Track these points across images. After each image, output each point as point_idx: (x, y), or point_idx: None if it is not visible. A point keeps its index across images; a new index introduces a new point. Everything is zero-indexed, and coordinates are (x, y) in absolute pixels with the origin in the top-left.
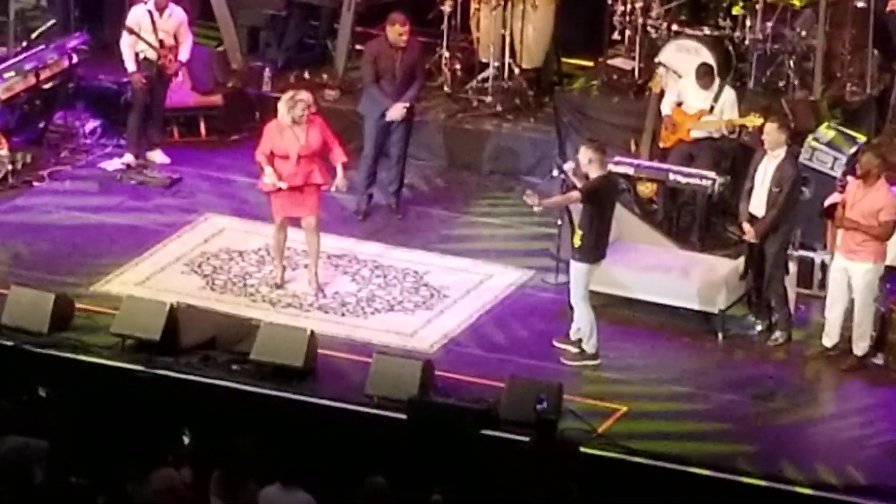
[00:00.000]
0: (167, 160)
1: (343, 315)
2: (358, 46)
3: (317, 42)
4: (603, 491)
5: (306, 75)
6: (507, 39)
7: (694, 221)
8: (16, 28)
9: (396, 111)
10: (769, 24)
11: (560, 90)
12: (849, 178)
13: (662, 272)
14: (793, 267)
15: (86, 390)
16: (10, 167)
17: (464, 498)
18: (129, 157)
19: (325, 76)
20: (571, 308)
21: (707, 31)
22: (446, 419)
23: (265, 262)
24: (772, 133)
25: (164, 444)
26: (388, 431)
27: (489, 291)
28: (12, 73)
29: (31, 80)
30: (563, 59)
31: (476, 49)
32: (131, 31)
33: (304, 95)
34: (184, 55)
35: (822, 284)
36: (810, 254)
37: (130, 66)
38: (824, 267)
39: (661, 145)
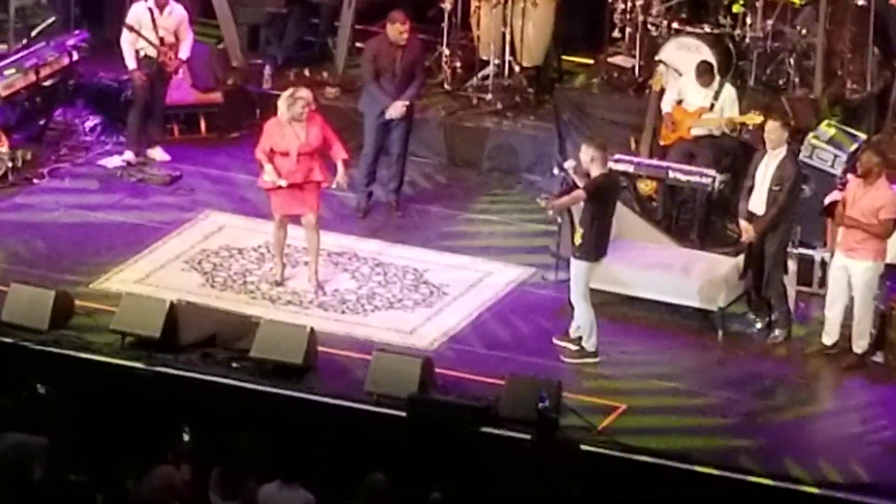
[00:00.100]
0: (167, 158)
1: (343, 312)
2: (358, 44)
3: (317, 40)
4: (602, 489)
5: (306, 73)
6: (508, 37)
7: (694, 219)
8: (16, 25)
9: (396, 109)
10: (769, 22)
11: (560, 88)
12: (849, 176)
13: (662, 270)
14: (793, 265)
15: (85, 387)
16: (10, 164)
17: (463, 495)
18: (129, 155)
19: (325, 74)
20: (571, 306)
21: (707, 28)
22: (446, 417)
23: (265, 260)
24: (775, 131)
25: (163, 442)
26: (387, 429)
27: (489, 289)
28: (13, 71)
29: (32, 77)
30: (564, 57)
31: (476, 47)
32: (132, 29)
33: (304, 93)
34: (184, 53)
35: (822, 282)
36: (810, 252)
37: (131, 63)
38: (824, 265)
39: (662, 143)
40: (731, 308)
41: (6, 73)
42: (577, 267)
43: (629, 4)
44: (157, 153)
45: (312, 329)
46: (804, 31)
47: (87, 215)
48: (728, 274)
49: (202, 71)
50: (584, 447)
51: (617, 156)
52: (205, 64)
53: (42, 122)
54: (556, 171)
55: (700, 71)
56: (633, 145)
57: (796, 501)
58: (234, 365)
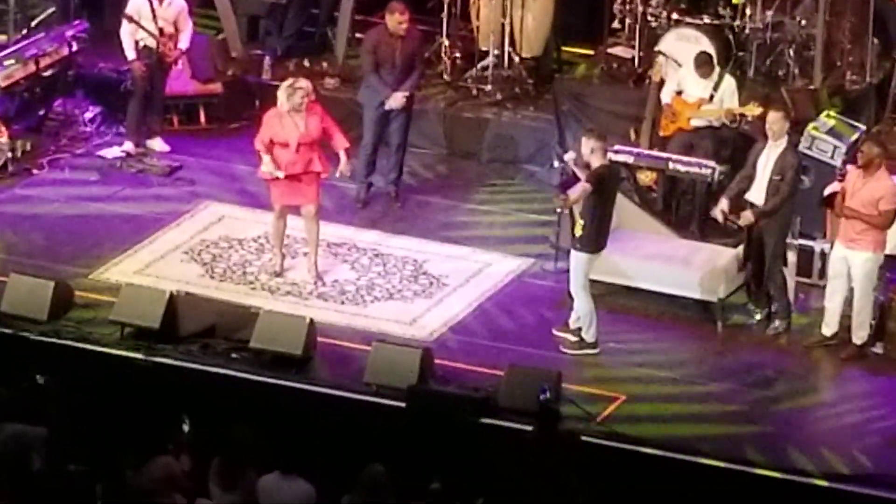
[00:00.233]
0: (167, 148)
1: (342, 303)
2: (358, 35)
3: (317, 30)
4: (602, 479)
5: (306, 64)
6: (507, 28)
7: (693, 210)
8: (16, 16)
9: (396, 100)
10: (769, 13)
11: (560, 78)
12: (848, 166)
13: (662, 261)
14: (792, 256)
15: (85, 378)
16: (9, 155)
17: (463, 486)
18: (128, 145)
19: (324, 65)
20: (571, 297)
21: (707, 19)
22: (445, 407)
23: (264, 250)
24: (777, 122)
25: (162, 432)
26: (387, 419)
27: (489, 279)
28: (12, 61)
29: (31, 67)
30: (563, 48)
31: (476, 38)
32: (131, 20)
33: (304, 83)
34: (184, 43)
35: (822, 273)
36: (810, 243)
37: (130, 54)
38: (824, 256)
39: (661, 134)
40: (731, 299)
41: (6, 63)
42: (578, 258)
43: None
44: (157, 144)
45: (312, 320)
46: (804, 22)
47: (86, 206)
48: (728, 265)
49: (202, 61)
50: (584, 438)
51: (617, 147)
52: (204, 54)
53: (42, 113)
54: (556, 163)
55: (699, 62)
56: (632, 136)
57: (797, 492)
58: (234, 356)
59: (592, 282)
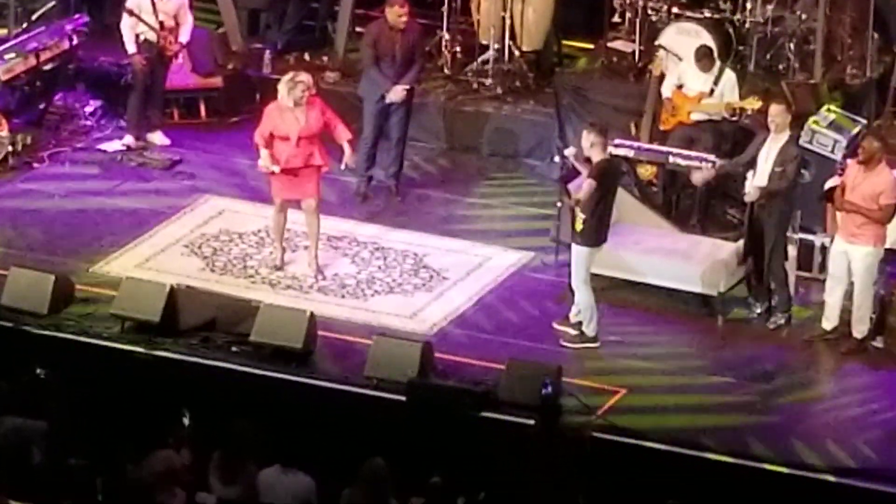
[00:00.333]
0: (167, 142)
1: (343, 297)
2: (358, 29)
3: (317, 24)
4: (602, 472)
5: (306, 57)
6: (508, 22)
7: (694, 204)
8: (16, 10)
9: (396, 93)
10: (770, 7)
11: (560, 72)
12: (849, 161)
13: (663, 255)
14: (793, 250)
15: (85, 371)
16: (9, 148)
17: (463, 480)
18: (129, 139)
19: (325, 58)
20: (572, 291)
21: (707, 13)
22: (445, 401)
23: (265, 244)
24: (780, 115)
25: (163, 426)
26: (387, 413)
27: (489, 273)
28: (13, 55)
29: (32, 61)
30: (563, 42)
31: (476, 31)
32: (131, 13)
33: (304, 77)
34: (184, 37)
35: (822, 267)
36: (810, 237)
37: (131, 47)
38: (824, 250)
39: (662, 128)
40: (732, 293)
41: (6, 57)
42: (578, 252)
43: None
44: (157, 137)
45: (312, 313)
46: (804, 16)
47: (87, 199)
48: (728, 259)
49: (202, 55)
50: (585, 432)
51: (617, 140)
52: (205, 48)
53: (42, 107)
54: (556, 157)
55: (699, 55)
56: (633, 130)
57: (799, 486)
58: (234, 349)
59: (593, 276)
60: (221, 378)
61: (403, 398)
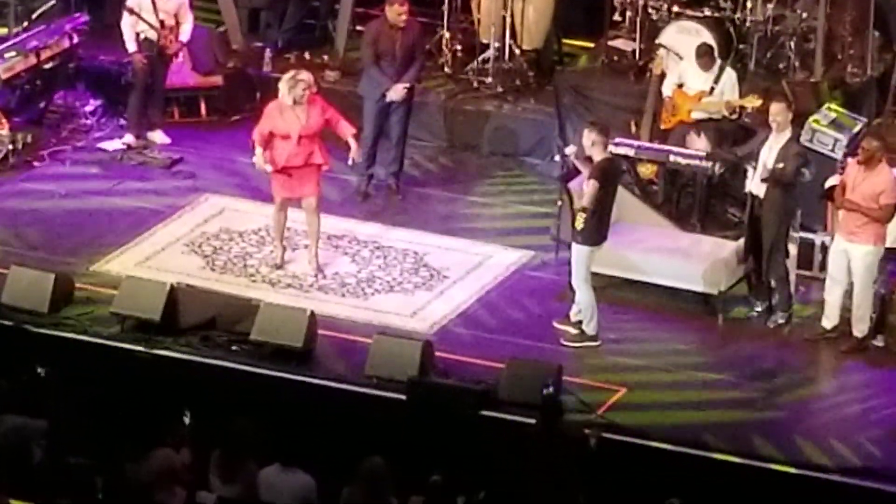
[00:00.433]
0: (167, 140)
1: (343, 296)
2: (358, 27)
3: (317, 23)
4: (602, 471)
5: (307, 56)
6: (508, 20)
7: (694, 203)
8: (17, 8)
9: (396, 92)
10: (770, 6)
11: (560, 71)
12: (849, 159)
13: (663, 254)
14: (793, 248)
15: (85, 370)
16: (10, 147)
17: (463, 479)
18: (129, 138)
19: (325, 57)
20: (572, 289)
21: (708, 12)
22: (446, 400)
23: (265, 243)
24: (780, 113)
25: (163, 425)
26: (387, 412)
27: (489, 272)
28: (13, 53)
29: (32, 60)
30: (564, 41)
31: (477, 30)
32: (132, 12)
33: (305, 75)
34: (184, 36)
35: (823, 266)
36: (811, 235)
37: (131, 46)
38: (824, 248)
39: (662, 127)
40: (732, 292)
41: (7, 55)
42: (579, 251)
43: None
44: (158, 136)
45: (312, 312)
46: (805, 15)
47: (87, 198)
48: (729, 258)
49: (202, 54)
50: (586, 431)
51: (617, 139)
52: (205, 47)
53: (42, 105)
54: (556, 156)
55: (700, 53)
56: (633, 129)
57: (799, 484)
58: (234, 348)
59: (594, 274)
60: (222, 377)
61: (403, 397)
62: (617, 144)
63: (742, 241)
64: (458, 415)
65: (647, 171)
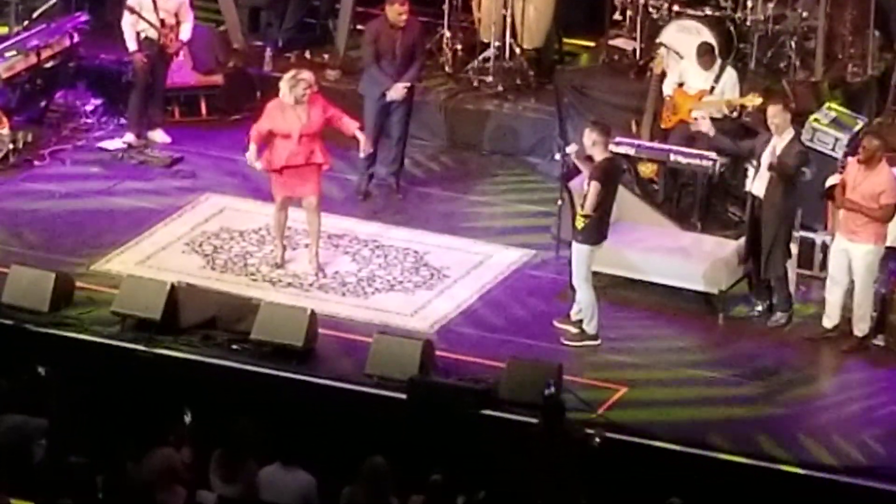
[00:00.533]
0: (168, 140)
1: (343, 295)
2: (359, 27)
3: (318, 22)
4: (603, 470)
5: (307, 55)
6: (509, 19)
7: (695, 202)
8: (17, 7)
9: (397, 91)
10: (770, 5)
11: (561, 70)
12: (849, 158)
13: (664, 253)
14: (794, 248)
15: (86, 369)
16: (10, 146)
17: (463, 478)
18: (130, 137)
19: (325, 56)
20: (573, 289)
21: (708, 11)
22: (446, 399)
23: (265, 242)
24: (778, 115)
25: (163, 424)
26: (387, 411)
27: (490, 271)
28: (14, 52)
29: (33, 59)
30: (564, 40)
31: (477, 29)
32: (132, 11)
33: (306, 75)
34: (185, 35)
35: (823, 265)
36: (811, 235)
37: (132, 45)
38: (825, 248)
39: (663, 126)
40: (733, 291)
41: (7, 54)
42: (579, 250)
43: None
44: (158, 135)
45: (313, 311)
46: (805, 14)
47: (87, 197)
48: (729, 257)
49: (203, 53)
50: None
51: (618, 138)
52: (206, 46)
53: (43, 105)
54: (557, 155)
55: (700, 52)
56: (633, 128)
57: (799, 483)
58: (235, 347)
59: (594, 274)
60: (222, 376)
61: (404, 396)
62: (617, 143)
63: (743, 240)
64: (458, 414)
65: (647, 170)
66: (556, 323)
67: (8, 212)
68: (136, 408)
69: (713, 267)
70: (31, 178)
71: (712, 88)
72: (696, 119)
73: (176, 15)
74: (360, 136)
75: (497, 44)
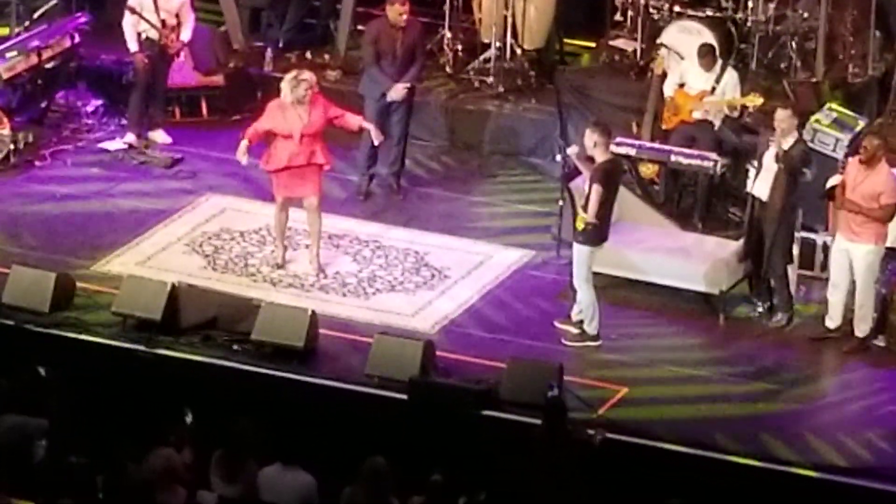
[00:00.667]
0: (169, 140)
1: (344, 295)
2: (359, 27)
3: (318, 22)
4: (603, 471)
5: (308, 56)
6: (509, 20)
7: (695, 203)
8: (18, 8)
9: (397, 92)
10: (771, 6)
11: (561, 70)
12: (849, 159)
13: (664, 253)
14: (795, 248)
15: (86, 370)
16: (11, 147)
17: (464, 479)
18: (130, 137)
19: (326, 56)
20: (573, 289)
21: (709, 12)
22: (447, 400)
23: (266, 242)
24: (786, 120)
25: (164, 424)
26: (388, 412)
27: (490, 272)
28: (14, 53)
29: (34, 59)
30: (565, 40)
31: (478, 30)
32: (133, 11)
33: (308, 75)
34: (185, 35)
35: (824, 265)
36: (812, 235)
37: (132, 45)
38: (826, 248)
39: (663, 127)
40: (734, 291)
41: (8, 55)
42: (580, 251)
43: None
44: (159, 136)
45: (313, 312)
46: (806, 15)
47: (88, 198)
48: (730, 257)
49: (204, 53)
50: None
51: (619, 139)
52: (206, 46)
53: (44, 105)
54: (557, 155)
55: (701, 52)
56: (634, 129)
57: (801, 483)
58: (235, 348)
59: (595, 274)
60: (223, 376)
61: (405, 396)
62: (618, 144)
63: (743, 240)
64: (459, 414)
65: (648, 170)
66: (556, 323)
67: (9, 212)
68: (137, 408)
69: (714, 267)
70: (32, 178)
71: (713, 89)
72: (704, 110)
73: (177, 15)
74: (368, 125)
75: (498, 44)
